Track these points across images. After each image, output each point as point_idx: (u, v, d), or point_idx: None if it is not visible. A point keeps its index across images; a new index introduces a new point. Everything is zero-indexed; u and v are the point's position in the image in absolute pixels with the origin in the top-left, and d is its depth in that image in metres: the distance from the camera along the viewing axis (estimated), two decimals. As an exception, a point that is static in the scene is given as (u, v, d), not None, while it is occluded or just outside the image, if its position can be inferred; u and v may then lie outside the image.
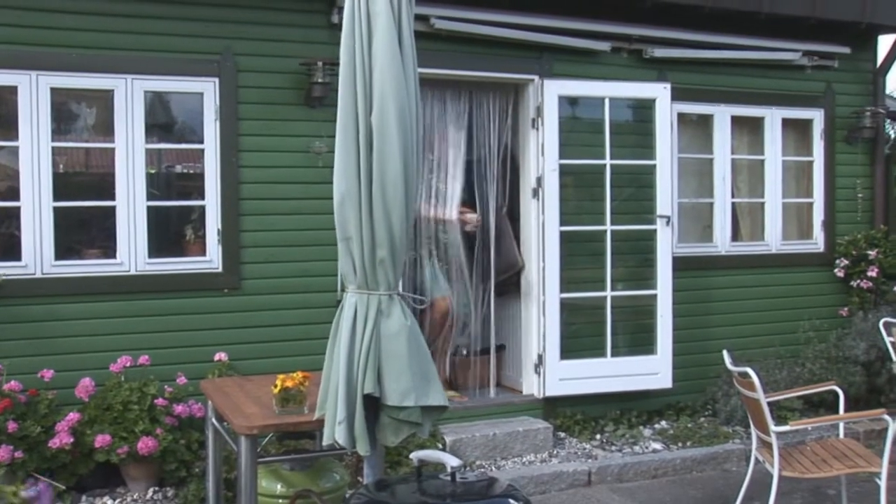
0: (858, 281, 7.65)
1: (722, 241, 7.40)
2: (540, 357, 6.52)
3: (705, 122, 7.39)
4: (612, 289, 6.69)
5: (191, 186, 6.08)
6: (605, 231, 6.66)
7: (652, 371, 6.79)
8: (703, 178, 7.42)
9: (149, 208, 5.63)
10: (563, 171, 6.53)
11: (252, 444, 3.47)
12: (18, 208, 5.37)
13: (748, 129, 7.66)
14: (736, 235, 7.61)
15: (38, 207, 5.37)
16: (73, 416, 5.04)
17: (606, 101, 6.65)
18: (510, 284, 6.81)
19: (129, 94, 5.56)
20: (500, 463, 6.00)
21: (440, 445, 5.87)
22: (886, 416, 4.52)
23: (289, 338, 5.85)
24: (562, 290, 6.51)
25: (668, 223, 6.75)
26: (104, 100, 5.64)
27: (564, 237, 6.51)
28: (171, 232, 5.98)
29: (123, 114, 5.55)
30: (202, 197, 5.79)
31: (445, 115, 6.63)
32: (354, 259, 3.27)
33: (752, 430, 4.73)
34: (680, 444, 6.37)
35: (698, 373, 7.08)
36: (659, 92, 6.76)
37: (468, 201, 6.73)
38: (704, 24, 7.07)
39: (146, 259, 5.61)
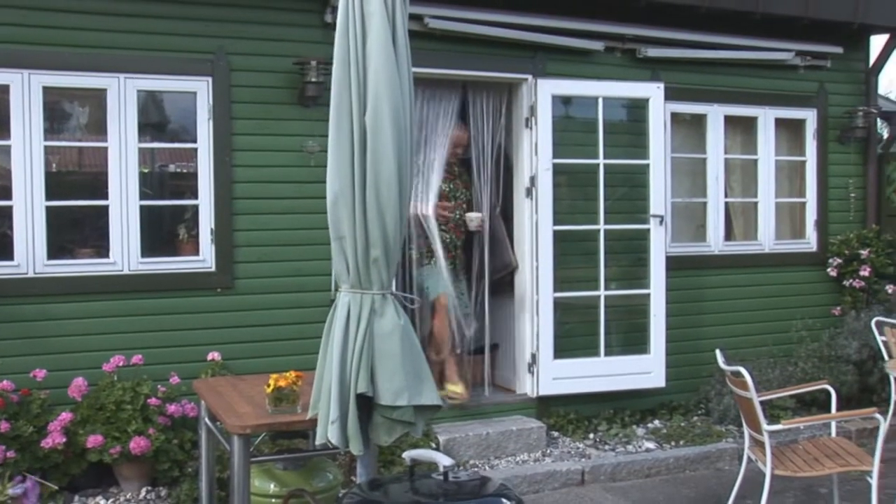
0: (851, 280, 7.68)
1: (715, 241, 7.41)
2: (533, 356, 6.53)
3: (699, 121, 7.40)
4: (606, 288, 6.70)
5: (184, 186, 6.07)
6: (599, 230, 6.66)
7: (645, 370, 6.80)
8: (696, 177, 7.43)
9: (142, 207, 5.62)
10: (557, 171, 6.53)
11: (245, 444, 3.47)
12: (11, 207, 5.35)
13: (741, 129, 7.68)
14: (729, 235, 7.63)
15: (30, 207, 5.36)
16: (65, 416, 5.03)
17: (600, 101, 6.66)
18: (504, 284, 6.81)
19: (122, 93, 5.54)
20: (493, 462, 6.00)
21: (433, 445, 5.87)
22: (878, 415, 4.53)
23: (282, 337, 5.85)
24: (555, 290, 6.52)
25: (661, 223, 6.76)
26: (97, 99, 5.62)
27: (558, 236, 6.52)
28: (164, 231, 5.97)
29: (116, 113, 5.54)
30: (195, 196, 5.78)
31: (439, 114, 6.61)
32: (348, 258, 3.27)
33: (745, 429, 4.74)
34: (673, 444, 6.39)
35: (691, 372, 7.10)
36: (652, 91, 6.78)
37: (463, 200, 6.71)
38: (698, 23, 7.08)
39: (139, 258, 5.60)
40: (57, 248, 5.54)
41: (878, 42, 8.09)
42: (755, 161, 7.63)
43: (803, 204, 7.89)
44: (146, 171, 5.93)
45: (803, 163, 7.87)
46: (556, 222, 6.50)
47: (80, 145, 6.03)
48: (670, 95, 6.86)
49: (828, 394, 5.06)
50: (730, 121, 7.49)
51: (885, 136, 8.64)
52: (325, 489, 3.93)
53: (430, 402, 3.27)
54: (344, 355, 3.22)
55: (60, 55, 5.41)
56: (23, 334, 5.34)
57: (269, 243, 5.89)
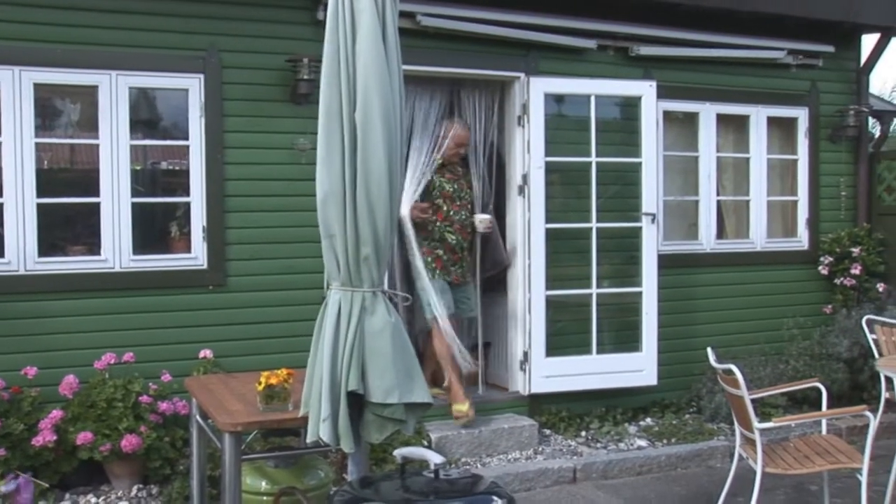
0: (842, 279, 7.70)
1: (707, 239, 7.43)
2: (525, 354, 6.53)
3: (691, 120, 7.41)
4: (598, 286, 6.71)
5: (176, 183, 6.06)
6: (591, 228, 6.67)
7: (637, 368, 6.81)
8: (688, 175, 7.45)
9: (133, 205, 5.61)
10: (549, 169, 6.54)
11: (236, 442, 3.47)
12: (1, 205, 5.34)
13: (733, 128, 7.70)
14: (721, 233, 7.64)
15: (21, 204, 5.34)
16: (56, 414, 5.02)
17: (592, 99, 6.66)
18: (496, 282, 6.82)
19: (114, 90, 5.53)
20: (485, 460, 6.00)
21: (425, 442, 5.87)
22: (868, 413, 4.54)
23: (274, 335, 5.84)
24: (547, 288, 6.52)
25: (653, 221, 6.77)
26: (88, 96, 5.60)
27: (550, 234, 6.52)
28: (155, 229, 5.96)
29: (108, 110, 5.52)
30: (187, 193, 5.77)
31: (431, 112, 6.61)
32: (338, 256, 3.27)
33: (736, 426, 4.75)
34: (665, 441, 6.40)
35: (683, 370, 7.11)
36: (645, 90, 6.78)
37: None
38: (690, 22, 7.09)
39: (131, 256, 5.59)
40: (48, 246, 5.52)
41: (869, 41, 8.13)
42: (747, 159, 7.65)
43: (795, 202, 7.91)
44: (138, 168, 5.92)
45: (795, 161, 7.89)
46: (548, 220, 6.50)
47: (72, 142, 6.01)
48: (662, 94, 6.87)
49: (819, 392, 5.08)
50: (722, 119, 7.51)
51: (877, 134, 8.66)
52: (317, 487, 3.93)
53: (420, 400, 3.27)
54: (335, 353, 3.22)
55: (52, 51, 5.39)
56: (13, 332, 5.33)
57: (261, 241, 5.89)
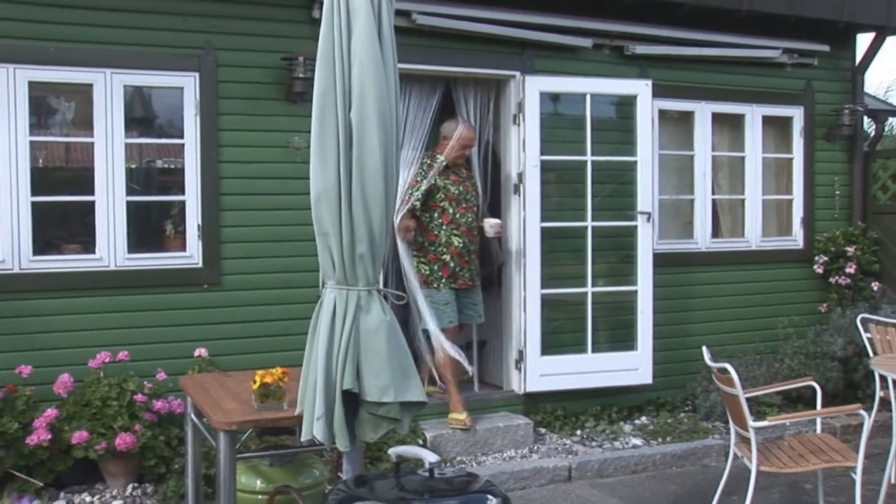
0: (837, 277, 7.71)
1: (702, 238, 7.44)
2: (521, 353, 6.53)
3: (686, 118, 7.42)
4: (593, 285, 6.71)
5: (171, 181, 6.05)
6: (586, 227, 6.67)
7: (632, 367, 6.82)
8: (683, 174, 7.45)
9: (128, 203, 5.59)
10: (545, 168, 6.54)
11: (231, 440, 3.46)
12: (-4, 203, 5.33)
13: (729, 126, 7.71)
14: (716, 232, 7.65)
15: (15, 202, 5.33)
16: (51, 413, 5.01)
17: (588, 98, 6.66)
18: (491, 280, 6.82)
19: (109, 89, 5.52)
20: (480, 459, 6.01)
21: (420, 441, 5.87)
22: (862, 412, 4.56)
23: (269, 333, 5.84)
24: (543, 287, 6.52)
25: (648, 219, 6.78)
26: (83, 94, 5.59)
27: (545, 233, 6.52)
28: (150, 227, 5.96)
29: (103, 108, 5.51)
30: (182, 192, 5.76)
31: (425, 110, 6.60)
32: (333, 254, 3.27)
33: (731, 425, 4.76)
34: (660, 440, 6.41)
35: (678, 369, 7.12)
36: (640, 88, 6.79)
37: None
38: (686, 21, 7.10)
39: (126, 254, 5.58)
40: (43, 244, 5.52)
41: (864, 40, 8.14)
42: (742, 158, 7.66)
43: (790, 201, 7.92)
44: (133, 166, 5.91)
45: (790, 160, 7.90)
46: (543, 219, 6.50)
47: (67, 140, 6.01)
48: (658, 92, 6.87)
49: (813, 390, 5.09)
50: (717, 118, 7.52)
51: (872, 134, 8.67)
52: (312, 486, 3.93)
53: (416, 399, 3.27)
54: (330, 352, 3.21)
55: (47, 49, 5.38)
56: (8, 330, 5.32)
57: (256, 239, 5.88)
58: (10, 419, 4.93)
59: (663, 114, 7.20)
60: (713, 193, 7.56)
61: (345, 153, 3.20)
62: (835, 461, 4.50)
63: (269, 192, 5.90)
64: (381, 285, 3.36)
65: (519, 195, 6.51)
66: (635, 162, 6.77)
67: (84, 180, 5.57)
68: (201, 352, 5.61)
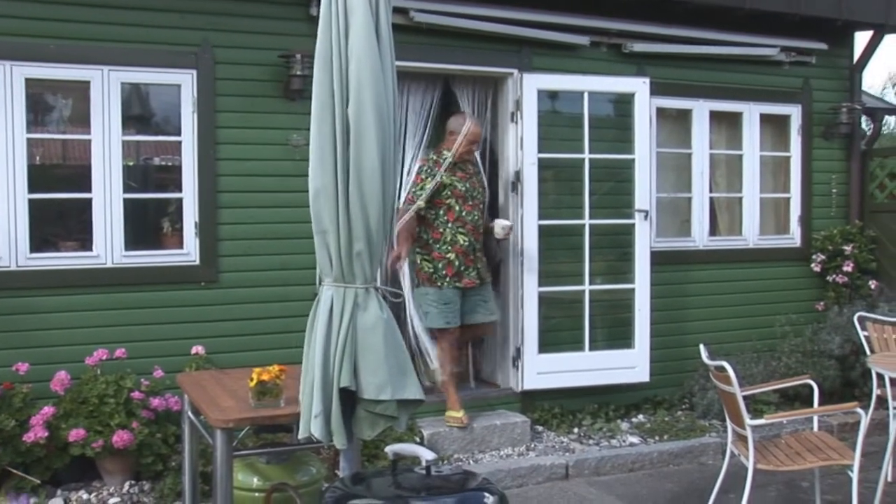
0: (834, 276, 7.72)
1: (700, 236, 7.44)
2: (518, 350, 6.53)
3: (684, 116, 7.42)
4: (591, 283, 6.71)
5: (168, 179, 6.05)
6: (584, 225, 6.67)
7: (629, 365, 6.82)
8: (681, 172, 7.46)
9: (125, 200, 5.59)
10: (542, 165, 6.54)
11: (228, 438, 3.46)
12: (-8, 200, 5.32)
13: (726, 125, 7.71)
14: (714, 230, 7.66)
15: (12, 199, 5.32)
16: (47, 410, 5.00)
17: (585, 96, 6.66)
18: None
19: (106, 86, 5.51)
20: (477, 456, 6.01)
21: (418, 439, 5.88)
22: (859, 410, 4.56)
23: (267, 331, 5.84)
24: (540, 284, 6.52)
25: (646, 217, 6.78)
26: (80, 91, 5.58)
27: (543, 231, 6.52)
28: (147, 224, 5.95)
29: (100, 105, 5.50)
30: (179, 189, 5.76)
31: (425, 108, 6.61)
32: (331, 252, 3.26)
33: (728, 423, 4.76)
34: (657, 438, 6.41)
35: (676, 367, 7.13)
36: (638, 86, 6.78)
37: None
38: (684, 19, 7.10)
39: (123, 252, 5.58)
40: (40, 242, 5.51)
41: (862, 38, 8.15)
42: (740, 156, 7.66)
43: (787, 199, 7.93)
44: (130, 163, 5.90)
45: (788, 158, 7.91)
46: (541, 217, 6.50)
47: (64, 138, 6.01)
48: (656, 90, 6.87)
49: (810, 388, 5.08)
50: (715, 116, 7.52)
51: (869, 132, 8.68)
52: (309, 483, 3.93)
53: (413, 397, 3.27)
54: (327, 349, 3.20)
55: (44, 46, 5.37)
56: (5, 328, 5.31)
57: (254, 237, 5.88)
58: (6, 417, 4.93)
59: (661, 112, 7.20)
60: (711, 191, 7.56)
61: (342, 151, 3.20)
62: (832, 459, 4.51)
63: (266, 189, 5.89)
64: (378, 283, 3.36)
65: (517, 193, 6.51)
66: (633, 160, 6.76)
67: (81, 177, 5.56)
68: (198, 349, 5.61)
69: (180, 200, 5.76)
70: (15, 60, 5.31)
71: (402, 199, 6.13)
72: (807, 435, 4.91)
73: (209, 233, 5.76)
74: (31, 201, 5.38)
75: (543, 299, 6.56)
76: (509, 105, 6.59)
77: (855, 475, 4.44)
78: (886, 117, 9.06)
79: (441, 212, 6.08)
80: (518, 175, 6.49)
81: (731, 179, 7.77)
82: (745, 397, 4.55)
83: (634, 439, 6.38)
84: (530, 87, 6.49)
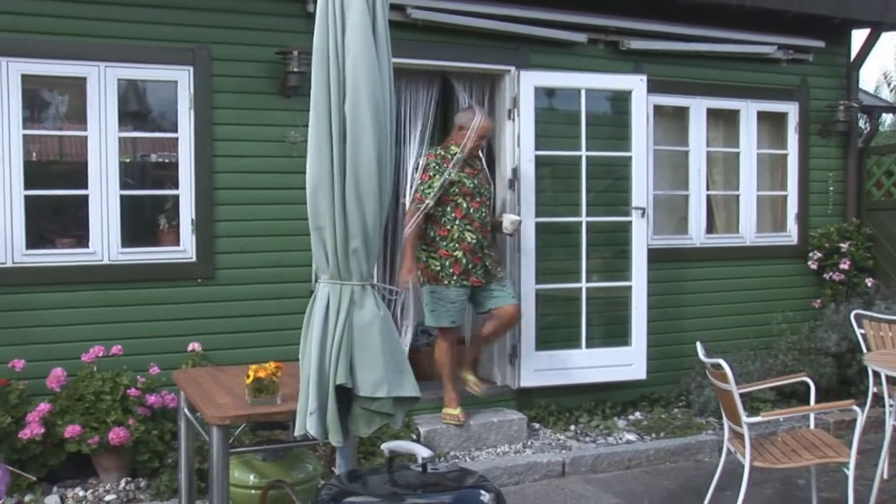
0: (831, 273, 7.73)
1: (697, 234, 7.44)
2: (514, 348, 6.53)
3: (681, 114, 7.42)
4: (588, 280, 6.71)
5: (164, 175, 6.04)
6: (581, 222, 6.67)
7: (626, 362, 6.83)
8: (678, 170, 7.46)
9: (122, 197, 5.58)
10: (539, 163, 6.54)
11: (224, 435, 3.46)
12: (-11, 196, 5.31)
13: (724, 122, 7.71)
14: (711, 228, 7.66)
15: (8, 196, 5.31)
16: (43, 407, 5.00)
17: (583, 93, 6.65)
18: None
19: (103, 82, 5.50)
20: (474, 454, 6.01)
21: (414, 436, 5.87)
22: (856, 407, 4.57)
23: (263, 328, 5.84)
24: (537, 282, 6.52)
25: (643, 215, 6.78)
26: (77, 87, 5.57)
27: (540, 228, 6.52)
28: (144, 221, 5.94)
29: (96, 102, 5.50)
30: (176, 186, 5.75)
31: (420, 105, 6.60)
32: (327, 249, 3.25)
33: (725, 421, 4.76)
34: (654, 435, 6.41)
35: (672, 364, 7.13)
36: (635, 84, 6.78)
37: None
38: (681, 16, 7.09)
39: (119, 248, 5.57)
40: (36, 238, 5.50)
41: (859, 36, 8.15)
42: (737, 154, 7.66)
43: (784, 197, 7.93)
44: (127, 160, 5.89)
45: (785, 156, 7.91)
46: (538, 214, 6.50)
47: (60, 134, 6.00)
48: (653, 88, 6.87)
49: (807, 386, 5.09)
50: (712, 113, 7.52)
51: (866, 130, 8.68)
52: (305, 480, 3.93)
53: (409, 394, 3.27)
54: (323, 346, 3.20)
55: (40, 43, 5.36)
56: (1, 325, 5.30)
57: (251, 234, 5.87)
58: (2, 413, 4.93)
59: (658, 109, 7.20)
60: (708, 189, 7.56)
61: (339, 147, 3.19)
62: (828, 457, 4.51)
63: (263, 186, 5.88)
64: (374, 280, 3.35)
65: (514, 190, 6.51)
66: (630, 157, 6.76)
67: (77, 174, 5.56)
68: (195, 346, 5.61)
69: (177, 197, 5.75)
70: (11, 56, 5.30)
71: (410, 198, 6.09)
72: (803, 432, 4.91)
73: (206, 230, 5.75)
74: (27, 198, 5.37)
75: (540, 296, 6.56)
76: (506, 102, 6.58)
77: (851, 472, 4.44)
78: (883, 115, 9.02)
79: (448, 209, 5.96)
80: (515, 172, 6.49)
81: (728, 177, 7.77)
82: (741, 395, 4.55)
83: (631, 437, 6.38)
84: (527, 84, 6.48)
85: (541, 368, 6.54)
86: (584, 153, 6.66)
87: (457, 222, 5.96)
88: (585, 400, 6.81)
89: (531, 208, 6.47)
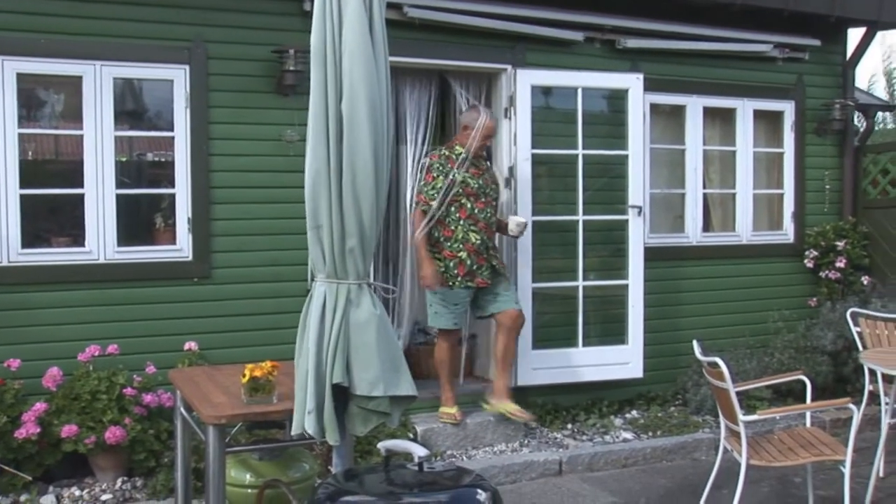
0: (827, 272, 7.73)
1: (693, 232, 7.44)
2: (512, 347, 6.53)
3: (678, 112, 7.42)
4: (584, 279, 6.71)
5: (161, 174, 6.03)
6: (578, 221, 6.67)
7: (623, 361, 6.83)
8: (674, 168, 7.46)
9: (118, 196, 5.57)
10: (536, 161, 6.54)
11: (220, 434, 3.46)
12: (-16, 196, 5.30)
13: (720, 121, 7.71)
14: (707, 226, 7.66)
15: (3, 195, 5.30)
16: (39, 406, 4.99)
17: (579, 91, 6.65)
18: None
19: (98, 81, 5.49)
20: (471, 452, 6.01)
21: (411, 435, 5.87)
22: (851, 406, 4.57)
23: (260, 327, 5.83)
24: (534, 280, 6.52)
25: (639, 213, 6.78)
26: (73, 86, 5.56)
27: (536, 227, 6.52)
28: (140, 220, 5.93)
29: (92, 100, 5.48)
30: (172, 185, 5.74)
31: (418, 103, 6.60)
32: (324, 248, 3.26)
33: (721, 419, 4.76)
34: (650, 434, 6.41)
35: (669, 363, 7.13)
36: (632, 82, 6.78)
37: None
38: (677, 15, 7.10)
39: (115, 247, 5.56)
40: (32, 237, 5.49)
41: (855, 35, 8.15)
42: (733, 152, 7.67)
43: (781, 195, 7.94)
44: (123, 159, 5.88)
45: (781, 154, 7.91)
46: (534, 213, 6.50)
47: (56, 133, 5.99)
48: (649, 86, 6.87)
49: (803, 384, 5.10)
50: (708, 112, 7.52)
51: (862, 128, 8.69)
52: (301, 479, 3.92)
53: (405, 393, 3.27)
54: (320, 345, 3.21)
55: (36, 41, 5.35)
56: (-3, 324, 5.30)
57: (247, 232, 5.87)
58: (-2, 413, 4.92)
59: (655, 108, 7.21)
60: (704, 187, 7.57)
61: (335, 145, 3.19)
62: (824, 455, 4.51)
63: (259, 185, 5.88)
64: (371, 279, 3.36)
65: (510, 189, 6.51)
66: (627, 156, 6.76)
67: (73, 173, 5.55)
68: (191, 345, 5.60)
69: (173, 196, 5.74)
70: (6, 55, 5.28)
71: (414, 200, 6.06)
72: (799, 431, 4.92)
73: (202, 228, 5.74)
74: (22, 197, 5.36)
75: (537, 295, 6.56)
76: (503, 101, 6.58)
77: (847, 470, 4.45)
78: (879, 113, 9.04)
79: (452, 209, 5.88)
80: (512, 171, 6.49)
81: (724, 175, 7.78)
82: (738, 393, 4.55)
83: (628, 435, 6.39)
84: (524, 82, 6.48)
85: (537, 367, 6.54)
86: (580, 152, 6.66)
87: (461, 223, 5.90)
88: (582, 398, 6.81)
89: (528, 207, 6.47)
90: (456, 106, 6.78)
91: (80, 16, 5.46)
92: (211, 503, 3.47)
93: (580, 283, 6.70)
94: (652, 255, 6.96)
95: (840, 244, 7.71)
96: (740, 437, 4.47)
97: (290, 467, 3.94)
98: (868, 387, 5.87)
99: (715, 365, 4.51)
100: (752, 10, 7.21)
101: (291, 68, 5.69)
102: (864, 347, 5.90)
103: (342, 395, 3.26)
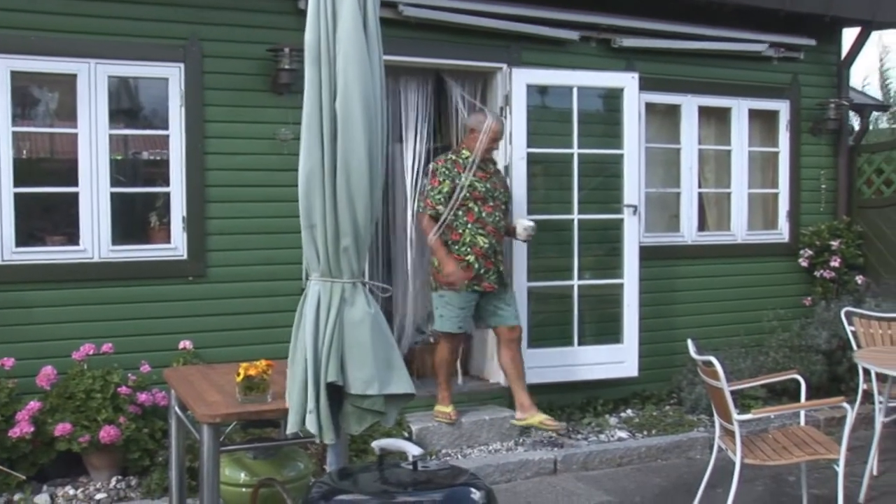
0: (822, 271, 7.75)
1: (688, 231, 7.45)
2: (507, 346, 6.52)
3: (673, 112, 7.42)
4: (580, 278, 6.72)
5: (155, 173, 6.02)
6: (573, 220, 6.68)
7: (618, 360, 6.83)
8: (670, 167, 7.47)
9: (113, 195, 5.56)
10: (531, 160, 6.54)
11: (214, 433, 3.45)
12: (-23, 194, 5.28)
13: (715, 120, 7.72)
14: (702, 225, 7.67)
15: (-2, 193, 5.29)
16: (33, 405, 4.98)
17: (575, 91, 6.66)
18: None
19: (93, 79, 5.47)
20: (466, 451, 6.01)
21: (406, 434, 5.87)
22: (846, 405, 4.58)
23: (254, 326, 5.82)
24: (529, 279, 6.53)
25: (635, 212, 6.78)
26: (67, 84, 5.54)
27: (532, 226, 6.52)
28: (135, 219, 5.92)
29: (87, 99, 5.47)
30: (167, 183, 5.73)
31: (414, 102, 6.60)
32: (318, 247, 3.25)
33: (716, 418, 4.77)
34: (645, 433, 6.42)
35: (664, 361, 7.14)
36: (627, 81, 6.78)
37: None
38: (673, 14, 7.10)
39: (110, 246, 5.55)
40: (26, 236, 5.48)
41: (850, 35, 8.17)
42: (729, 152, 7.68)
43: (776, 195, 7.95)
44: (118, 157, 5.87)
45: (776, 154, 7.93)
46: (529, 212, 6.49)
47: (50, 131, 5.97)
48: (645, 85, 6.87)
49: (798, 383, 5.11)
50: (704, 111, 7.53)
51: (857, 128, 8.71)
52: (296, 478, 3.92)
53: (400, 391, 3.26)
54: (314, 344, 3.20)
55: (29, 39, 5.33)
56: (-9, 322, 5.29)
57: (242, 231, 5.86)
58: (-8, 412, 4.91)
59: (650, 107, 7.21)
60: (699, 187, 7.58)
61: (329, 144, 3.19)
62: (818, 454, 4.52)
63: (254, 183, 5.87)
64: (366, 278, 3.35)
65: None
66: (622, 155, 6.77)
67: (68, 171, 5.53)
68: (186, 344, 5.59)
69: (168, 195, 5.73)
70: (0, 53, 5.26)
71: (420, 204, 6.03)
72: (794, 429, 4.93)
73: (197, 227, 5.74)
74: (16, 195, 5.34)
75: (532, 294, 6.56)
76: (498, 100, 6.58)
77: (841, 469, 4.46)
78: (874, 113, 9.06)
79: (460, 213, 5.84)
80: (507, 170, 6.48)
81: (719, 175, 7.78)
82: (732, 392, 4.56)
83: (623, 434, 6.39)
84: (519, 81, 6.48)
85: (533, 366, 6.51)
86: (575, 151, 6.66)
87: (469, 227, 5.86)
88: (577, 397, 6.82)
89: (523, 206, 6.46)
90: (452, 105, 6.78)
91: (74, 13, 5.44)
92: (205, 502, 3.46)
93: (575, 282, 6.70)
94: (647, 254, 6.97)
95: (835, 243, 7.73)
96: (735, 436, 4.48)
97: (284, 466, 3.93)
98: (862, 386, 5.88)
99: (710, 364, 4.52)
100: (747, 9, 7.22)
101: (286, 67, 5.69)
102: (859, 346, 5.91)
103: (337, 393, 3.25)
